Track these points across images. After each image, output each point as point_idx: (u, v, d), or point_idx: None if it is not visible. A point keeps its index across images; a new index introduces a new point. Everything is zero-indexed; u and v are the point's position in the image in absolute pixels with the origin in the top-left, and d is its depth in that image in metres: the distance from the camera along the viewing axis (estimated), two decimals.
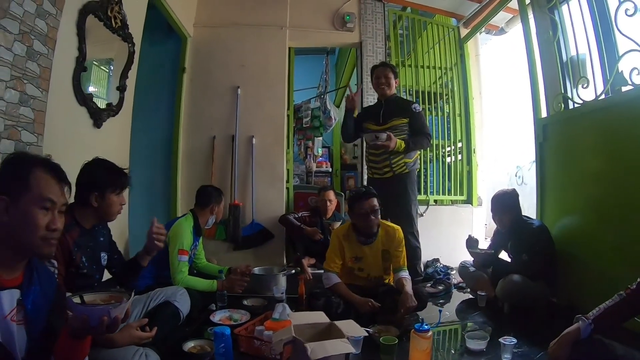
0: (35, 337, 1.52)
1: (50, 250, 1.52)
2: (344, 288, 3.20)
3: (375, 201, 3.17)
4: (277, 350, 2.27)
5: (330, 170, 7.98)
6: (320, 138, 7.80)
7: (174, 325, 2.72)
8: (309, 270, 4.37)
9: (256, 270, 3.97)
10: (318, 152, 8.01)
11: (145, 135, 4.51)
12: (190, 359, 2.40)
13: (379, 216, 3.23)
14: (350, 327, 2.22)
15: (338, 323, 2.24)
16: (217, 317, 3.08)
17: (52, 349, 1.50)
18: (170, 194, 5.14)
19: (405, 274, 3.23)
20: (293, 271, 4.21)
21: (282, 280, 3.90)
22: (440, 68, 5.96)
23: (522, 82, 4.50)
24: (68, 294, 1.40)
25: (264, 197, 5.21)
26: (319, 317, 2.39)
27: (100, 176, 2.33)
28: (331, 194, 4.89)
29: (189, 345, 2.52)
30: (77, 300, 1.43)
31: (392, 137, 3.86)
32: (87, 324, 1.40)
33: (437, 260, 4.65)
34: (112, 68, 3.61)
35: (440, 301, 3.79)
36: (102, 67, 3.56)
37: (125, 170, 2.48)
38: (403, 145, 3.95)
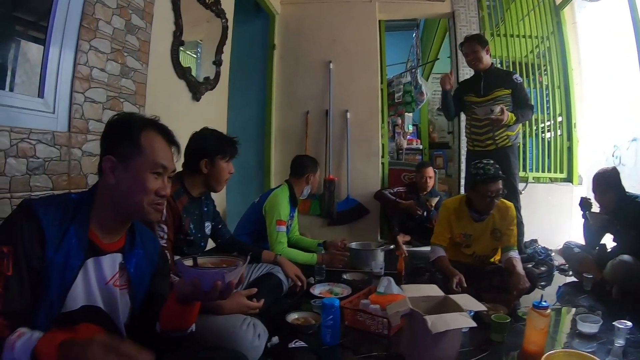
0: (138, 302, 1.50)
1: (157, 216, 1.45)
2: (444, 262, 3.05)
3: (500, 184, 2.97)
4: (395, 321, 2.12)
5: (420, 147, 7.73)
6: (411, 114, 7.57)
7: (277, 296, 2.70)
8: (404, 247, 4.24)
9: (353, 245, 3.88)
10: (408, 129, 7.79)
11: (238, 112, 4.50)
12: (295, 331, 2.34)
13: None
14: (468, 301, 2.09)
15: (453, 297, 2.12)
16: (317, 290, 3.01)
17: (156, 314, 1.45)
18: (263, 171, 5.15)
19: (515, 254, 3.01)
20: (392, 246, 4.12)
21: (381, 256, 3.78)
22: (535, 37, 5.55)
23: (624, 52, 4.12)
24: (177, 257, 1.32)
25: (359, 172, 5.10)
26: (433, 290, 2.29)
27: (210, 143, 2.38)
28: (431, 171, 4.70)
29: (293, 316, 2.46)
30: (188, 262, 1.33)
31: (505, 111, 3.62)
32: (198, 289, 1.28)
33: (535, 241, 4.36)
34: (201, 45, 3.63)
35: (542, 283, 3.49)
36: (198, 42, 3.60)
37: (234, 139, 2.52)
38: (514, 118, 3.71)
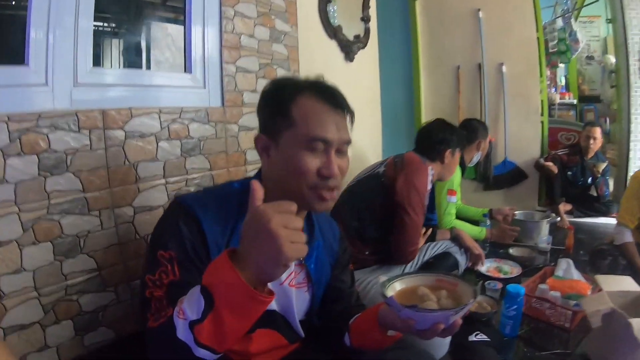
0: (319, 300, 1.32)
1: (324, 206, 1.15)
2: (631, 251, 2.59)
3: None
4: (595, 323, 1.72)
5: (574, 102, 7.06)
6: (563, 66, 6.88)
7: None
8: (566, 217, 3.91)
9: (517, 215, 3.52)
10: (561, 81, 7.12)
11: (386, 71, 4.22)
12: (471, 319, 2.12)
13: None
14: None
15: None
16: (484, 267, 2.79)
17: (337, 311, 1.34)
18: (414, 131, 4.80)
19: None
20: (558, 218, 3.79)
21: (546, 229, 3.42)
22: None
23: None
24: (382, 278, 1.08)
25: (517, 132, 4.62)
26: (628, 283, 1.94)
27: (456, 134, 2.55)
28: (597, 131, 4.22)
29: None
30: (396, 287, 1.09)
31: None
32: (411, 328, 1.04)
33: None
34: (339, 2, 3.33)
35: None
36: None
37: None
38: None
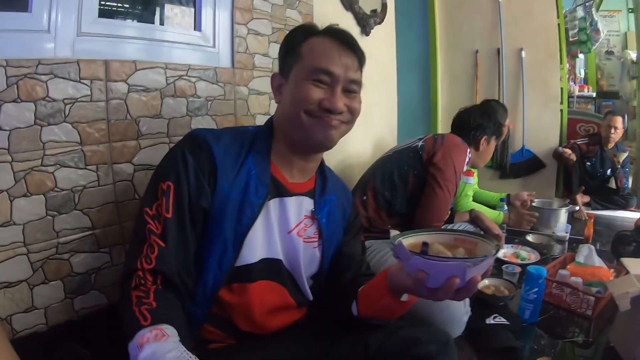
0: (329, 260, 1.30)
1: (324, 136, 1.13)
2: None
3: None
4: (624, 306, 1.66)
5: (593, 95, 7.07)
6: (582, 57, 6.81)
7: None
8: (584, 209, 3.84)
9: (535, 202, 3.47)
10: (580, 73, 7.06)
11: (403, 51, 4.19)
12: (489, 303, 2.06)
13: None
14: None
15: None
16: (501, 252, 2.72)
17: (346, 280, 1.29)
18: (430, 114, 4.82)
19: None
20: (577, 208, 3.74)
21: (564, 217, 3.36)
22: None
23: None
24: (394, 232, 1.00)
25: (536, 120, 4.57)
26: None
27: (493, 122, 2.55)
28: (619, 121, 4.16)
29: (483, 283, 2.18)
30: (407, 241, 0.96)
31: None
32: (423, 284, 0.92)
33: None
34: None
35: None
36: None
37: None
38: None
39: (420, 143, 2.43)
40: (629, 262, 1.89)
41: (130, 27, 1.64)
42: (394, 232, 1.04)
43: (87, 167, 1.39)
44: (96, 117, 1.41)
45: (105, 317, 1.44)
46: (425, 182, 2.30)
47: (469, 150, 2.39)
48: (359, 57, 1.19)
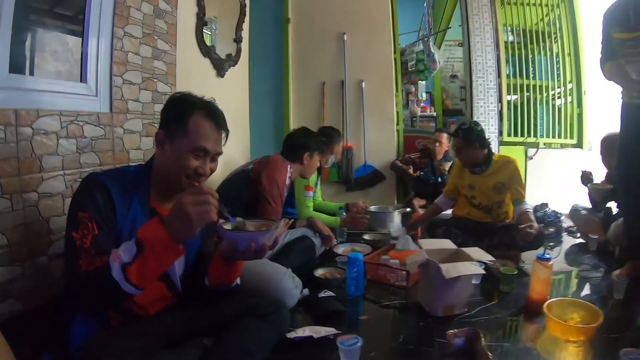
0: (190, 261, 1.70)
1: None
2: (429, 210, 3.73)
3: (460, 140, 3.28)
4: (412, 270, 2.40)
5: (434, 114, 7.83)
6: (424, 82, 7.64)
7: (309, 257, 2.97)
8: (420, 210, 4.37)
9: (372, 208, 4.06)
10: (422, 97, 7.87)
11: (257, 85, 4.67)
12: (323, 284, 2.57)
13: (464, 154, 3.30)
14: (478, 253, 2.31)
15: (465, 249, 2.34)
16: (341, 249, 3.21)
17: (205, 270, 1.67)
18: (282, 137, 5.12)
19: (527, 207, 3.12)
20: (408, 209, 4.25)
21: (398, 218, 3.97)
22: (546, 5, 5.70)
23: None
24: (221, 221, 1.47)
25: (375, 139, 5.23)
26: (447, 244, 2.53)
27: (314, 141, 3.08)
28: (442, 136, 4.81)
29: (320, 272, 2.71)
30: (227, 227, 1.45)
31: None
32: (235, 249, 1.45)
33: (545, 204, 4.40)
34: (215, 22, 3.68)
35: (550, 244, 3.63)
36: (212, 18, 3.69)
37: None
38: None
39: (250, 166, 2.92)
40: (424, 242, 2.58)
41: (32, 80, 1.93)
42: (221, 221, 1.51)
43: (4, 195, 1.68)
44: (9, 155, 1.70)
45: (22, 322, 1.70)
46: (257, 198, 2.79)
47: (289, 166, 2.91)
48: (226, 132, 1.62)
